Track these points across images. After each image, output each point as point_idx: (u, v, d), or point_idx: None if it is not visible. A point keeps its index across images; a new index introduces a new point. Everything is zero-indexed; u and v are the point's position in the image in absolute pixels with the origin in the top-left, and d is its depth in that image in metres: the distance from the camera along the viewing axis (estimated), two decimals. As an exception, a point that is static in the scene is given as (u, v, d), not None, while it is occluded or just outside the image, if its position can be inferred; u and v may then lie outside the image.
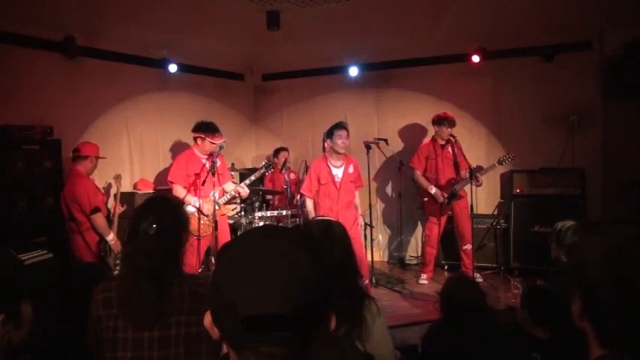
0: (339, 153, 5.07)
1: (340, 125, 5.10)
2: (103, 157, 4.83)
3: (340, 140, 5.03)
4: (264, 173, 5.37)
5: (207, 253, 5.26)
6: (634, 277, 0.95)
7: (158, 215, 1.96)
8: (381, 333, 2.02)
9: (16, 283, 1.37)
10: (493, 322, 2.50)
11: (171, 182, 5.03)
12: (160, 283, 1.91)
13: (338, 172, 5.14)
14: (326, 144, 5.23)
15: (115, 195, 5.00)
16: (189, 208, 5.00)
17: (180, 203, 2.25)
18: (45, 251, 3.86)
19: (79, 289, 2.14)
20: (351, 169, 5.15)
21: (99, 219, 4.49)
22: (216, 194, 4.94)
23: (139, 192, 5.64)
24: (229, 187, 5.20)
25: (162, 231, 1.94)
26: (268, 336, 0.78)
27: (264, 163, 5.40)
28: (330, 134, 5.10)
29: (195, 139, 5.07)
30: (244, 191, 5.10)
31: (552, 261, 3.11)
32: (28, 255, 3.66)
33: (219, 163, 5.00)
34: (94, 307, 1.92)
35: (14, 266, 1.41)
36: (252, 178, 5.21)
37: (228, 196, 5.11)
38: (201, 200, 4.94)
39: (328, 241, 2.02)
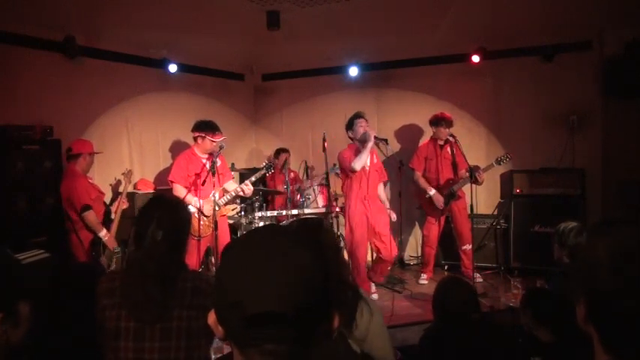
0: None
1: (358, 115, 5.18)
2: (98, 152, 4.82)
3: (362, 128, 5.08)
4: (264, 174, 5.37)
5: (207, 253, 5.26)
6: None
7: (162, 218, 1.99)
8: (377, 333, 2.01)
9: (14, 282, 1.36)
10: (488, 323, 2.49)
11: (172, 182, 5.03)
12: (166, 283, 1.95)
13: (367, 161, 5.20)
14: (349, 134, 5.27)
15: (122, 192, 4.99)
16: (190, 208, 5.00)
17: (180, 201, 2.28)
18: (42, 250, 3.86)
19: (78, 289, 2.15)
20: (375, 159, 5.26)
21: (89, 216, 4.50)
22: (217, 194, 4.94)
23: (139, 192, 5.64)
24: (231, 186, 5.19)
25: (168, 233, 1.98)
26: (273, 333, 0.79)
27: (264, 163, 5.40)
28: (350, 125, 5.18)
29: (195, 138, 5.07)
30: (248, 189, 5.09)
31: (553, 261, 3.12)
32: (25, 254, 3.66)
33: (219, 163, 5.01)
34: (99, 297, 1.96)
35: (11, 265, 1.40)
36: (253, 179, 5.21)
37: (229, 197, 5.11)
38: (201, 201, 4.94)
39: (317, 240, 2.01)
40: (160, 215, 1.99)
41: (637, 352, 0.95)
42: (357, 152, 5.10)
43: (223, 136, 5.10)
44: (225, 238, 5.05)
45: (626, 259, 0.96)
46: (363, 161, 5.04)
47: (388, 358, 2.05)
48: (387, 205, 5.47)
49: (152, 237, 1.95)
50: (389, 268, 5.33)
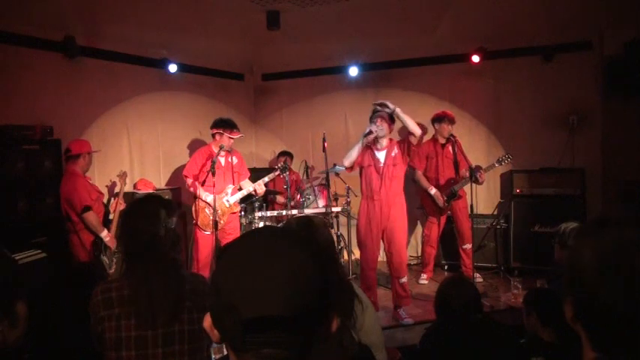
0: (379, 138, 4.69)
1: (374, 109, 4.78)
2: (96, 151, 4.83)
3: (373, 122, 4.69)
4: (278, 175, 5.42)
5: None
6: (627, 279, 0.95)
7: (167, 207, 2.01)
8: (371, 324, 2.08)
9: (11, 282, 1.36)
10: (489, 323, 2.49)
11: (185, 176, 5.17)
12: (170, 279, 1.94)
13: (380, 156, 4.71)
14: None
15: (118, 193, 4.99)
16: (200, 203, 5.08)
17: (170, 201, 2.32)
18: (39, 251, 3.87)
19: (77, 289, 2.15)
20: (394, 152, 4.71)
21: (90, 217, 4.49)
22: (229, 191, 5.01)
23: (139, 192, 5.63)
24: (246, 184, 5.26)
25: (176, 222, 2.02)
26: (270, 338, 0.78)
27: (280, 165, 5.44)
28: (370, 121, 4.80)
29: (213, 135, 5.18)
30: (261, 189, 5.16)
31: (553, 261, 3.12)
32: (21, 255, 3.66)
33: (235, 161, 5.13)
34: (95, 309, 1.92)
35: (8, 265, 1.40)
36: (266, 179, 5.27)
37: (239, 195, 5.17)
38: (210, 196, 4.97)
39: (312, 238, 2.05)
40: (166, 205, 2.01)
41: (624, 349, 0.95)
42: (369, 149, 4.75)
43: (241, 133, 5.23)
44: (236, 234, 5.11)
45: (612, 259, 0.97)
46: (351, 157, 4.69)
47: (380, 345, 2.13)
48: None
49: (166, 226, 1.95)
50: (402, 280, 4.74)
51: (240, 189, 5.21)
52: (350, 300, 2.01)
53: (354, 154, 4.71)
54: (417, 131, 4.67)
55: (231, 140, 5.08)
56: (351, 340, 1.75)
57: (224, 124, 5.10)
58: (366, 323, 2.04)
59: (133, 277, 1.94)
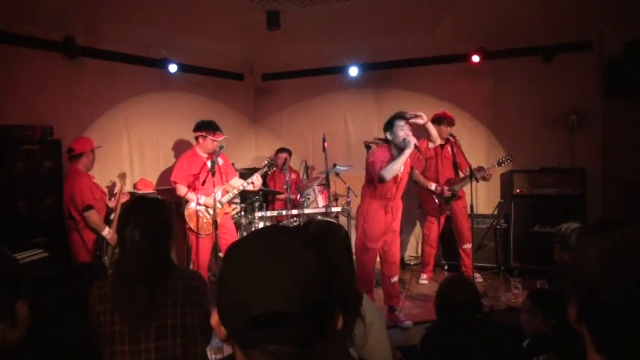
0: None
1: (399, 116, 4.49)
2: (98, 147, 4.82)
3: (403, 132, 4.38)
4: (266, 172, 5.39)
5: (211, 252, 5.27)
6: (631, 281, 0.95)
7: (139, 219, 2.00)
8: (377, 340, 2.02)
9: (11, 281, 1.36)
10: (490, 323, 2.49)
11: (175, 182, 5.11)
12: (153, 283, 1.97)
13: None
14: (388, 136, 4.50)
15: (117, 193, 4.99)
16: (192, 206, 5.04)
17: (159, 201, 2.31)
18: (40, 250, 3.86)
19: (78, 288, 2.15)
20: (408, 160, 4.56)
21: (92, 216, 4.50)
22: (219, 193, 4.97)
23: (139, 192, 5.63)
24: (236, 182, 5.23)
25: (148, 234, 1.99)
26: (277, 334, 0.79)
27: (266, 162, 5.42)
28: (389, 126, 4.49)
29: (196, 138, 5.13)
30: (258, 180, 5.14)
31: (553, 261, 3.12)
32: (23, 254, 3.66)
33: (221, 162, 5.04)
34: (92, 304, 1.97)
35: (9, 265, 1.40)
36: (258, 174, 5.26)
37: (231, 195, 5.15)
38: (203, 198, 4.96)
39: (328, 244, 2.01)
40: (137, 216, 2.01)
41: (627, 352, 0.95)
42: (392, 157, 4.44)
43: (224, 135, 5.14)
44: (232, 235, 5.10)
45: (616, 261, 0.97)
46: (396, 171, 4.37)
47: None
48: None
49: (130, 238, 1.97)
50: (393, 280, 4.80)
51: (227, 190, 5.18)
52: (354, 313, 1.97)
53: (398, 167, 4.41)
54: (438, 140, 4.87)
55: (215, 142, 5.04)
56: (347, 356, 1.73)
57: (207, 127, 5.07)
58: (370, 341, 1.98)
59: (118, 273, 2.00)
